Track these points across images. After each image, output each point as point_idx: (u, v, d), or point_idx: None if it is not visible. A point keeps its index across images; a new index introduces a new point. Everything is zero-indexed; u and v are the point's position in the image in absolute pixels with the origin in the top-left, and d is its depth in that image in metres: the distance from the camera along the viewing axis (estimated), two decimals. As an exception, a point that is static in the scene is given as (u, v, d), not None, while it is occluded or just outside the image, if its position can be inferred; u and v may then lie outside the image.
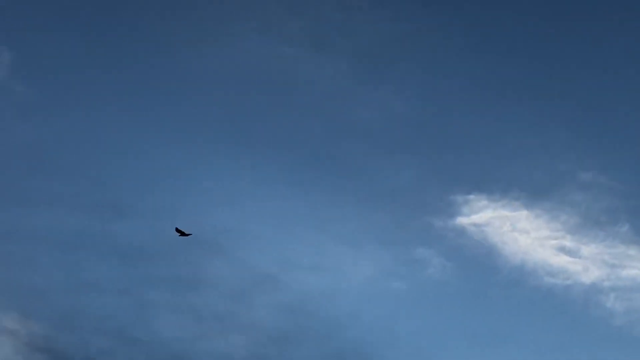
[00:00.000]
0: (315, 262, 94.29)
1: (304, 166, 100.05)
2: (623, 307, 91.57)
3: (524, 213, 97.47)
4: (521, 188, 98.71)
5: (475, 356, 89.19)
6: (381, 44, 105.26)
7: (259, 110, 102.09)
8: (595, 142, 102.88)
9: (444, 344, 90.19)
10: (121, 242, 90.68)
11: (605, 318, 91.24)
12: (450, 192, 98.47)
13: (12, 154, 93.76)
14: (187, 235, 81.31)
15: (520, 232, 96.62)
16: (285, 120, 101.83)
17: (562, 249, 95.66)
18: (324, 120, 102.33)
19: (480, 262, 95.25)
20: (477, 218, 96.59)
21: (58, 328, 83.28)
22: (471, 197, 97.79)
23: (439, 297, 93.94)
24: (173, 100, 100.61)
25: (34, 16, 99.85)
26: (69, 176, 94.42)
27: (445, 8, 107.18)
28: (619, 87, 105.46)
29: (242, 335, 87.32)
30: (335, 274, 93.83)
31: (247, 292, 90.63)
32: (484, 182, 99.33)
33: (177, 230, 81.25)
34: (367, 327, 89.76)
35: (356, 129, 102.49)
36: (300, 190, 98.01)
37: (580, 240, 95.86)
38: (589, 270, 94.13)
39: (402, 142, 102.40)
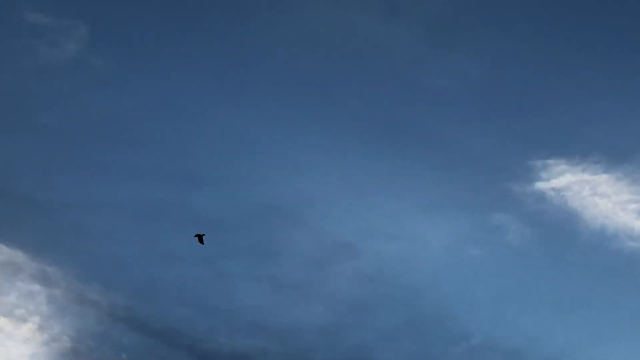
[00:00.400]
0: (393, 230, 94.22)
1: (381, 133, 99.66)
2: None
3: (604, 177, 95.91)
4: (601, 151, 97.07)
5: (556, 322, 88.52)
6: (455, 9, 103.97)
7: (335, 79, 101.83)
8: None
9: (524, 310, 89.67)
10: (200, 212, 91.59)
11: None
12: (528, 157, 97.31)
13: (91, 127, 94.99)
14: (202, 237, 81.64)
15: (601, 196, 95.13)
16: (360, 88, 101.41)
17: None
18: (399, 88, 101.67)
19: (560, 228, 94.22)
20: (556, 182, 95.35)
21: (139, 298, 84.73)
22: (550, 161, 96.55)
23: (518, 263, 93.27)
24: (250, 69, 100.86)
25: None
26: (147, 148, 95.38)
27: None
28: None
29: (320, 303, 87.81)
30: (412, 242, 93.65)
31: (325, 260, 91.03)
32: (563, 145, 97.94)
33: (197, 236, 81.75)
34: (445, 294, 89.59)
35: (432, 96, 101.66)
36: (377, 158, 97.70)
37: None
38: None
39: (478, 107, 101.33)
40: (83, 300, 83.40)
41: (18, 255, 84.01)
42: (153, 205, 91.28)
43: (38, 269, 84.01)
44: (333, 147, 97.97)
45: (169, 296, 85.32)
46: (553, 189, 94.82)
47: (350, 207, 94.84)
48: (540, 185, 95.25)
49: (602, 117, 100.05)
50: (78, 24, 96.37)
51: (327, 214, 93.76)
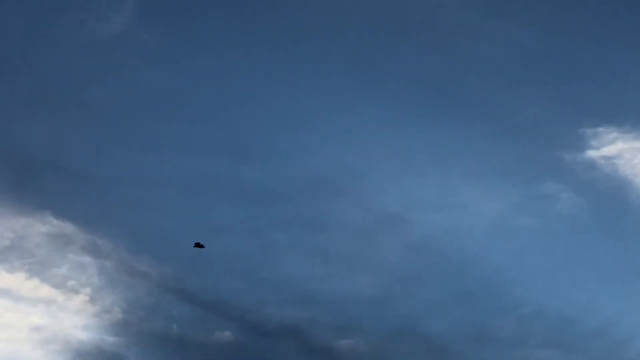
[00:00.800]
0: (441, 201, 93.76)
1: (428, 103, 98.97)
2: None
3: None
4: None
5: (607, 291, 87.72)
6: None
7: (383, 50, 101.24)
8: None
9: (575, 280, 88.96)
10: (248, 185, 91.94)
11: None
12: (578, 125, 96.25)
13: (140, 101, 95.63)
14: (201, 247, 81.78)
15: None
16: (408, 56, 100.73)
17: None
18: (448, 55, 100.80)
19: (611, 196, 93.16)
20: (607, 151, 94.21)
21: (188, 270, 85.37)
22: (600, 129, 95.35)
23: (569, 232, 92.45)
24: (298, 42, 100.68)
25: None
26: (197, 121, 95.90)
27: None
28: None
29: (369, 274, 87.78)
30: (461, 212, 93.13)
31: (373, 232, 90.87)
32: (613, 113, 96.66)
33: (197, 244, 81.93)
34: (495, 264, 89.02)
35: (481, 63, 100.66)
36: (425, 128, 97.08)
37: None
38: None
39: (528, 75, 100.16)
40: (133, 272, 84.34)
41: (69, 228, 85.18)
42: (202, 178, 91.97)
43: (89, 241, 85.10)
44: (381, 118, 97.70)
45: (219, 268, 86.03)
46: (604, 157, 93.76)
47: (398, 178, 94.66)
48: (591, 153, 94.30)
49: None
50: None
51: (376, 185, 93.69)
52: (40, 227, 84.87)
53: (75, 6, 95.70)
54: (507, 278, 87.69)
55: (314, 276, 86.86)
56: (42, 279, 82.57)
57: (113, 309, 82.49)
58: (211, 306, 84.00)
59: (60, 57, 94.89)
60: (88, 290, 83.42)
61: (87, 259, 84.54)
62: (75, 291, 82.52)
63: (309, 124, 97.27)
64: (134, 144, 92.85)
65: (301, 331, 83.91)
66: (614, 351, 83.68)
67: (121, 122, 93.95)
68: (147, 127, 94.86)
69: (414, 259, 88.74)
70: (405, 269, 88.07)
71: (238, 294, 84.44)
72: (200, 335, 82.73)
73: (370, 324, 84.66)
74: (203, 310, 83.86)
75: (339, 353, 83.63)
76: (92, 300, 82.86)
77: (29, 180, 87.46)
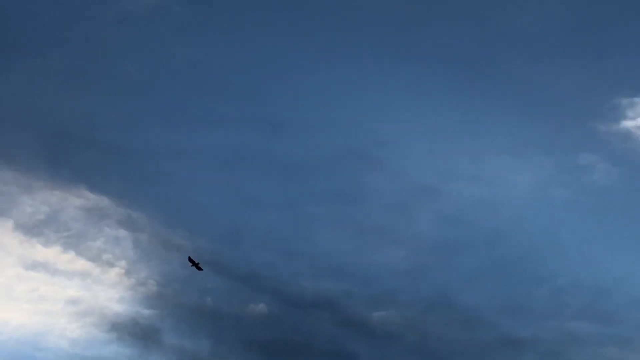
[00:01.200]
0: (476, 172, 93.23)
1: (463, 75, 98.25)
2: None
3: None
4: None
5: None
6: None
7: (416, 21, 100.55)
8: None
9: (609, 251, 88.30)
10: (281, 157, 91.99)
11: None
12: (614, 96, 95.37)
13: (173, 75, 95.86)
14: (198, 267, 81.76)
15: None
16: (442, 28, 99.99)
17: None
18: (482, 27, 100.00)
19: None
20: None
21: (222, 243, 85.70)
22: (636, 99, 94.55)
23: (605, 203, 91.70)
24: (329, 16, 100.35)
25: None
26: (228, 95, 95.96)
27: None
28: None
29: (403, 247, 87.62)
30: (496, 183, 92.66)
31: (407, 204, 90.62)
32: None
33: (190, 260, 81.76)
34: (530, 235, 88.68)
35: (516, 35, 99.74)
36: (459, 100, 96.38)
37: None
38: None
39: (563, 46, 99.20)
40: (168, 245, 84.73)
41: (104, 201, 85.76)
42: (237, 151, 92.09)
43: (124, 214, 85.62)
44: (415, 89, 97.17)
45: (252, 240, 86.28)
46: (639, 127, 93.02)
47: (432, 150, 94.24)
48: (627, 123, 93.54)
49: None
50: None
51: (410, 157, 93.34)
52: (76, 201, 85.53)
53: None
54: (542, 249, 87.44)
55: (347, 248, 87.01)
56: (77, 253, 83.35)
57: (148, 281, 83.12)
58: (245, 278, 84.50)
59: (93, 32, 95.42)
60: (123, 263, 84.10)
61: (122, 232, 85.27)
62: (111, 264, 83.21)
63: (343, 96, 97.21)
64: (168, 117, 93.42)
65: (335, 303, 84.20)
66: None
67: (155, 96, 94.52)
68: (181, 100, 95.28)
69: (448, 231, 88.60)
70: (439, 241, 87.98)
71: (272, 266, 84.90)
72: (234, 308, 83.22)
73: (404, 296, 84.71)
74: (237, 283, 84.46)
75: (373, 325, 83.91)
76: (127, 273, 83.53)
77: (64, 154, 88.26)
